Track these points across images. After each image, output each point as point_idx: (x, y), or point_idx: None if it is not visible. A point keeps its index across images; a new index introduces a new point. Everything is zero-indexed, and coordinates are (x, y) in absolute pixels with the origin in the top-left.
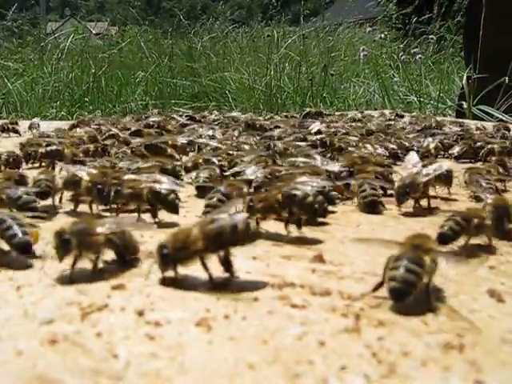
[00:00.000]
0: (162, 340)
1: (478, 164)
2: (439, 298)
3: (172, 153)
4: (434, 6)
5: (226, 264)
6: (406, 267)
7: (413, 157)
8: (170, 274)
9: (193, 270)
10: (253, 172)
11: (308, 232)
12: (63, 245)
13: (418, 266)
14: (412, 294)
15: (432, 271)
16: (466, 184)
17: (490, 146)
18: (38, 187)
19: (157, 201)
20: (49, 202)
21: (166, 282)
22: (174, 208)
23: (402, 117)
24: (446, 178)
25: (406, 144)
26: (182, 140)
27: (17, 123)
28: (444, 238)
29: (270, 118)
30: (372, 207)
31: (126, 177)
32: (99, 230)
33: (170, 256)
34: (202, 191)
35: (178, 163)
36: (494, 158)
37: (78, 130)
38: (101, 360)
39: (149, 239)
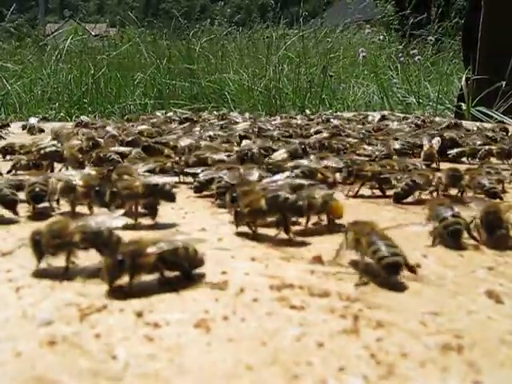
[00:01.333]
0: (161, 341)
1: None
2: (437, 299)
3: (169, 153)
4: (431, 8)
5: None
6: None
7: None
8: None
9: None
10: None
11: (306, 233)
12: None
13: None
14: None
15: None
16: (469, 187)
17: (488, 148)
18: (32, 191)
19: (152, 193)
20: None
21: (164, 284)
22: (170, 196)
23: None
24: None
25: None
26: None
27: (8, 125)
28: None
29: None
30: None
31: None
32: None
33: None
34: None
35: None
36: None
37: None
38: (100, 361)
39: None
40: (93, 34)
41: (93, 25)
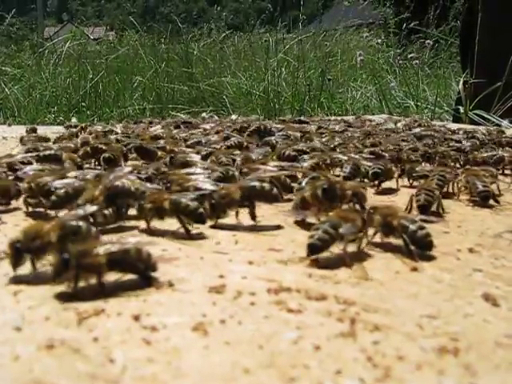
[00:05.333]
0: (159, 345)
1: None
2: (434, 302)
3: (162, 155)
4: (428, 11)
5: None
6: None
7: None
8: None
9: (192, 272)
10: None
11: (305, 236)
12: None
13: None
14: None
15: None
16: (465, 187)
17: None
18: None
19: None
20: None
21: (162, 287)
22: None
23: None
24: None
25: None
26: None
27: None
28: None
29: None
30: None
31: None
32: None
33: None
34: None
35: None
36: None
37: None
38: (97, 365)
39: None
40: (91, 37)
41: (91, 28)
